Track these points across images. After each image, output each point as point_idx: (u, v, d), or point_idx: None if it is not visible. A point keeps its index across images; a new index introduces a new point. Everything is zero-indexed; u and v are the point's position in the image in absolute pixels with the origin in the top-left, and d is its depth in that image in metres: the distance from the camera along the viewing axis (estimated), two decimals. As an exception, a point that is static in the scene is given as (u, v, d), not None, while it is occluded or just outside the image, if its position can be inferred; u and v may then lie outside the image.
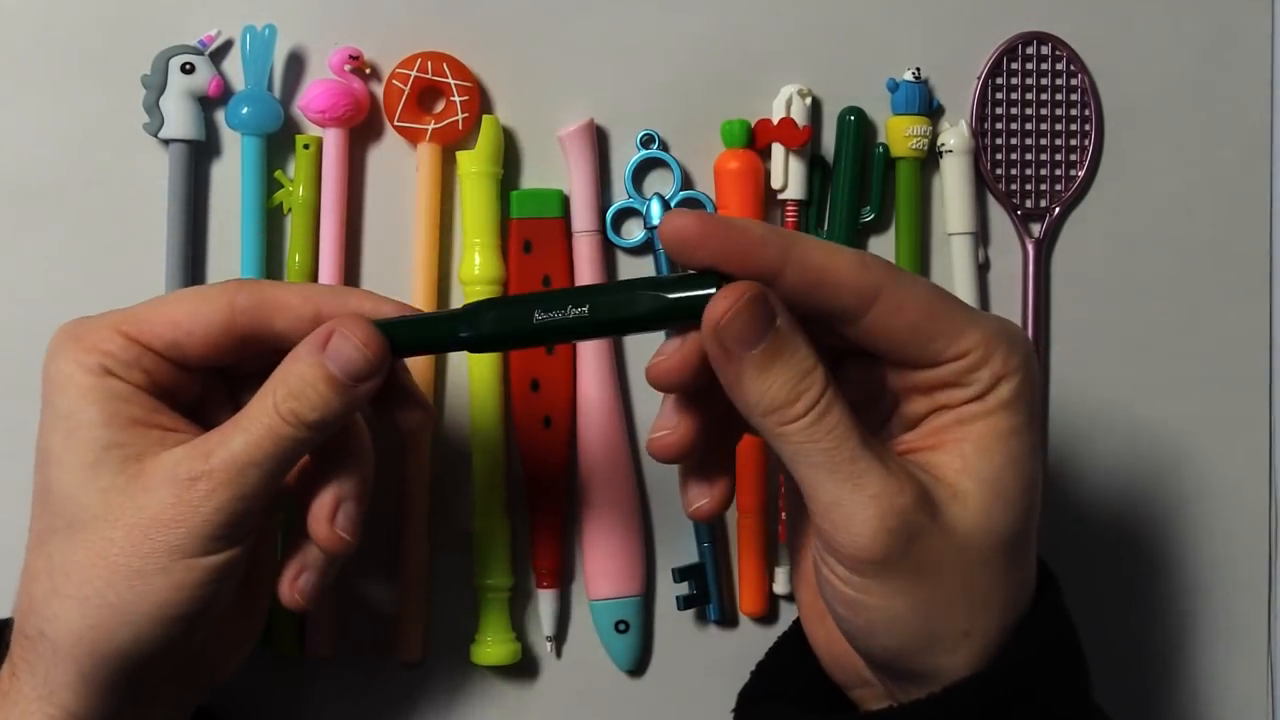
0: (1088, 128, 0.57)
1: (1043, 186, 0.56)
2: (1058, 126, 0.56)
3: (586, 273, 0.53)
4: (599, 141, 0.54)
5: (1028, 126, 0.56)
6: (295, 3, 0.53)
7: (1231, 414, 0.57)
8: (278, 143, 0.53)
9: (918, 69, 0.55)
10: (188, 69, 0.51)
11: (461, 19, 0.54)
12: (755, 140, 0.54)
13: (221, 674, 0.46)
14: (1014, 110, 0.56)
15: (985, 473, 0.39)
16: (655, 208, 0.54)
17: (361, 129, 0.53)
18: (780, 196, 0.54)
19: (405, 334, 0.41)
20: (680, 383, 0.40)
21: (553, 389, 0.53)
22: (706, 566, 0.54)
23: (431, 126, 0.52)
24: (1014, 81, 0.56)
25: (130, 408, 0.40)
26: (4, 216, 0.52)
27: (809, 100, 0.54)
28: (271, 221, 0.52)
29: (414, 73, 0.52)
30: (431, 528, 0.53)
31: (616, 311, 0.39)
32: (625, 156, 0.54)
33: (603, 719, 0.54)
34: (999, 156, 0.56)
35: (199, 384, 0.43)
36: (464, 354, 0.53)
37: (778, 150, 0.54)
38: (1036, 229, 0.57)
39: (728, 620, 0.55)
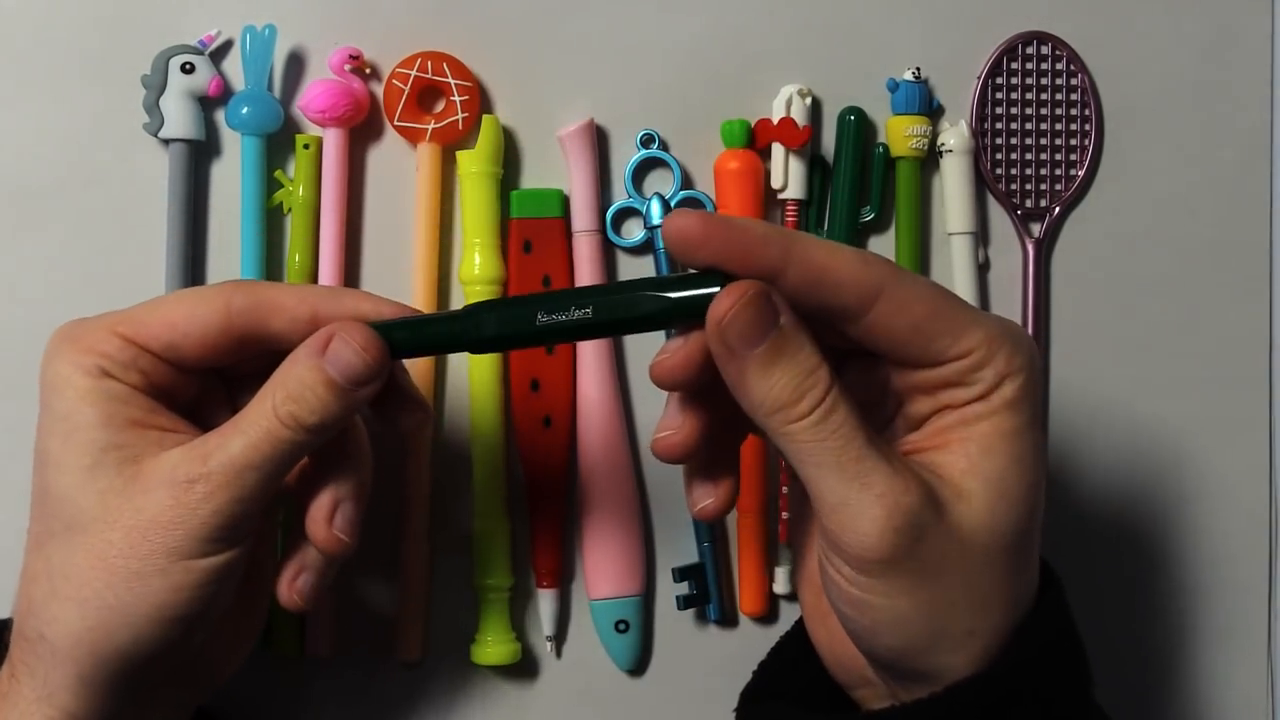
0: (1088, 128, 0.57)
1: (1043, 186, 0.56)
2: (1058, 126, 0.56)
3: (587, 273, 0.53)
4: (599, 141, 0.54)
5: (1028, 126, 0.56)
6: (295, 3, 0.53)
7: (1231, 414, 0.57)
8: (278, 143, 0.52)
9: (918, 69, 0.55)
10: (188, 69, 0.51)
11: (461, 19, 0.54)
12: (755, 140, 0.54)
13: (221, 675, 0.46)
14: (1014, 110, 0.56)
15: (990, 472, 0.39)
16: (655, 208, 0.54)
17: (361, 129, 0.53)
18: (780, 196, 0.54)
19: (405, 336, 0.41)
20: (684, 380, 0.40)
21: (553, 389, 0.53)
22: (706, 566, 0.54)
23: (431, 126, 0.52)
24: (1014, 81, 0.56)
25: (128, 409, 0.40)
26: (4, 216, 0.52)
27: (809, 100, 0.54)
28: (271, 221, 0.52)
29: (414, 72, 0.52)
30: (431, 528, 0.53)
31: (619, 312, 0.39)
32: (625, 156, 0.54)
33: (603, 719, 0.54)
34: (999, 156, 0.56)
35: (197, 385, 0.43)
36: (464, 354, 0.53)
37: (778, 150, 0.54)
38: (1036, 229, 0.57)
39: (728, 620, 0.55)
